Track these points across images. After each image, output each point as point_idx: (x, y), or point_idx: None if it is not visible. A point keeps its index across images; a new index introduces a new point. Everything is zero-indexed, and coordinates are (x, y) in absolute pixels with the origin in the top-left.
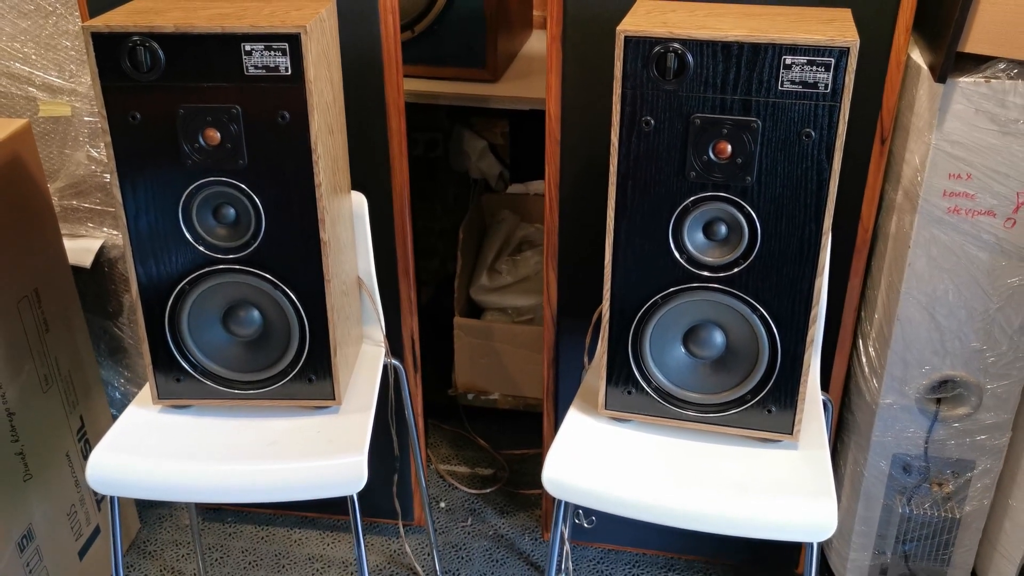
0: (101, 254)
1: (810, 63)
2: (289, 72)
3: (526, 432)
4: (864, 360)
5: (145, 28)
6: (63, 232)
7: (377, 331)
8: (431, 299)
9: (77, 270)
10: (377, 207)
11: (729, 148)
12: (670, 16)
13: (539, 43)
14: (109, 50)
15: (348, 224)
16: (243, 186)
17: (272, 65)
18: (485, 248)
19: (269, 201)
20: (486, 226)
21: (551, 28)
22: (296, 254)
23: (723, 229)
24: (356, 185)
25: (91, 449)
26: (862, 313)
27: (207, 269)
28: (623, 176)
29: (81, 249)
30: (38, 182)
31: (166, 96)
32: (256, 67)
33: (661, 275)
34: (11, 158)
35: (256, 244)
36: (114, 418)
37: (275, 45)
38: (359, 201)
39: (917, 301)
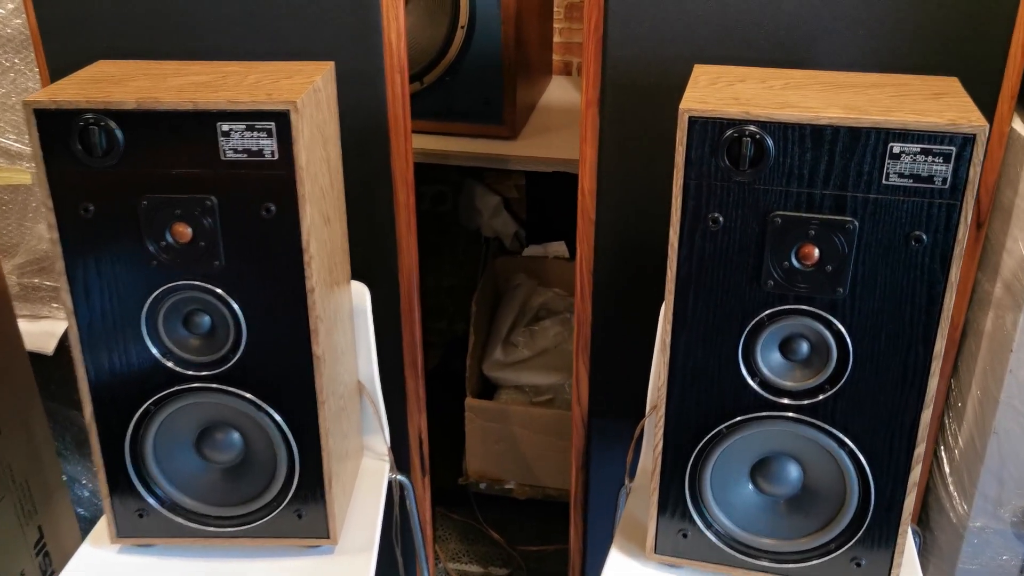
0: (66, 337)
1: (924, 152)
2: (276, 157)
3: (545, 525)
4: (948, 475)
5: (100, 104)
6: (22, 314)
7: (380, 442)
8: (438, 364)
9: (37, 357)
10: (382, 294)
11: (816, 253)
12: (741, 89)
13: (560, 91)
14: (56, 129)
15: (347, 322)
16: (219, 291)
17: (255, 149)
18: (499, 317)
19: (251, 309)
20: (500, 292)
21: (587, 91)
22: (283, 370)
23: (805, 348)
24: (357, 273)
25: (52, 565)
26: (946, 420)
27: (177, 388)
28: (684, 281)
29: (42, 333)
30: None
31: (126, 184)
32: (235, 151)
33: (727, 400)
34: None
35: (235, 359)
36: (80, 522)
37: (258, 125)
38: (360, 293)
39: (1019, 412)
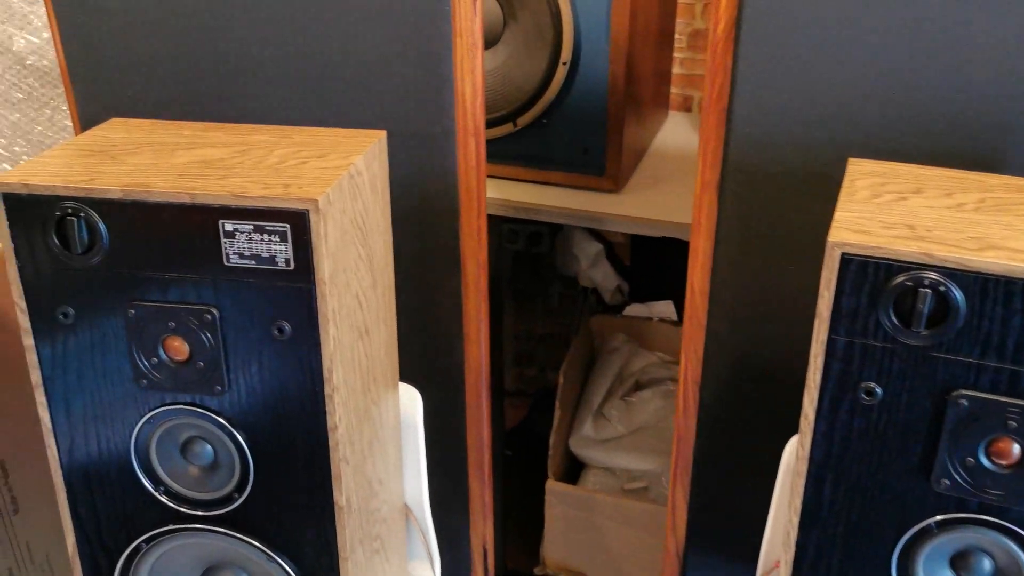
0: None
1: None
2: (291, 267)
3: None
4: None
5: (81, 190)
6: None
7: (429, 570)
8: (524, 420)
9: None
10: (442, 390)
11: (1017, 451)
12: (917, 207)
13: (677, 130)
14: (30, 218)
15: (391, 438)
16: (221, 420)
17: (265, 255)
18: (592, 384)
19: (260, 445)
20: (595, 354)
21: (704, 172)
22: (299, 517)
23: (987, 567)
24: (411, 368)
25: None
26: None
27: (172, 527)
28: (819, 466)
29: None
30: (12, 326)
31: (111, 288)
32: (241, 256)
33: None
34: None
35: (240, 500)
36: None
37: (269, 227)
38: (411, 401)
39: None
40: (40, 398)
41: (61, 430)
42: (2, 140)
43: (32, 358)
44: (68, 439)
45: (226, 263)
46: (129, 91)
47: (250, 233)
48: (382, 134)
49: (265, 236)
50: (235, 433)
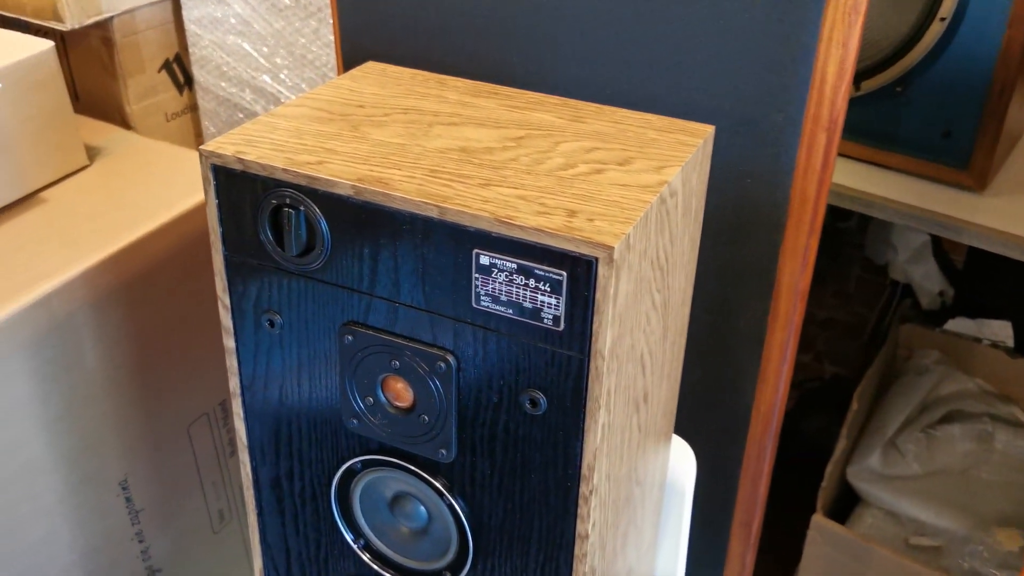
0: None
1: None
2: (559, 327)
3: None
4: None
5: (305, 178)
6: None
7: None
8: (788, 413)
9: None
10: (713, 446)
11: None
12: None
13: None
14: (241, 202)
15: (653, 505)
16: (441, 489)
17: (528, 305)
18: (888, 407)
19: (486, 528)
20: (897, 371)
21: None
22: None
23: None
24: (678, 418)
25: None
26: None
27: None
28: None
29: None
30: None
31: (326, 303)
32: (495, 300)
33: None
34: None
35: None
36: None
37: (540, 271)
38: (683, 460)
39: None
40: (237, 408)
41: (255, 447)
42: (264, 48)
43: (232, 362)
44: (263, 460)
45: (474, 304)
46: (398, 12)
47: (512, 274)
48: (709, 130)
49: (531, 282)
50: (456, 508)
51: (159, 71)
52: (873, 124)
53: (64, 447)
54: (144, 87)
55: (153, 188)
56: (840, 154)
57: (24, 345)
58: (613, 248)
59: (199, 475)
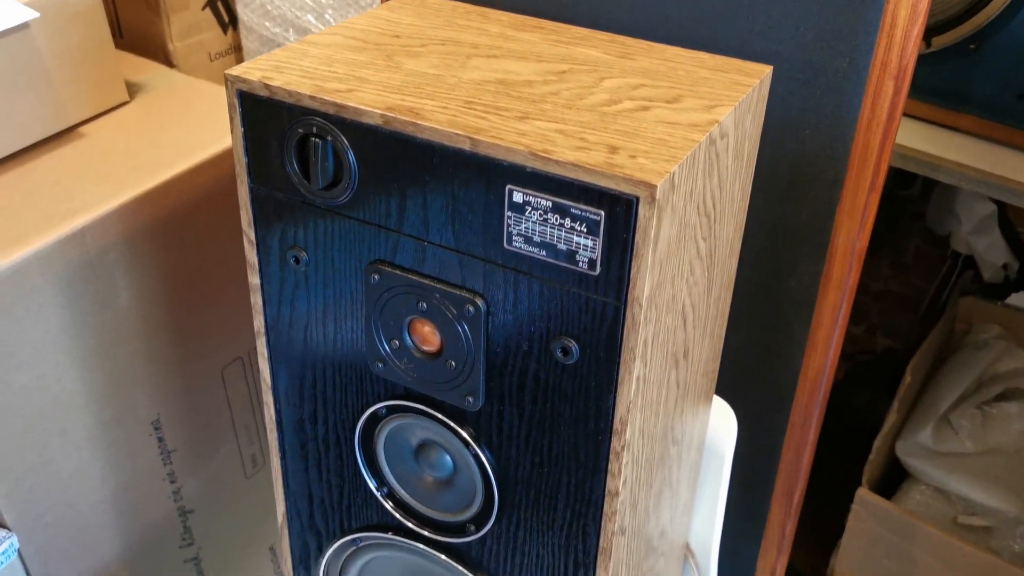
0: None
1: None
2: (595, 271)
3: None
4: None
5: (332, 106)
6: None
7: None
8: (837, 385)
9: None
10: (757, 410)
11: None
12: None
13: None
14: (268, 129)
15: (690, 466)
16: (468, 439)
17: (563, 247)
18: (942, 380)
19: (512, 480)
20: (954, 345)
21: None
22: (551, 570)
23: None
24: (721, 381)
25: None
26: None
27: (394, 538)
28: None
29: None
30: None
31: (353, 240)
32: (528, 240)
33: None
34: (225, 182)
35: (479, 535)
36: None
37: (576, 209)
38: (723, 422)
39: None
40: (261, 348)
41: (279, 389)
42: None
43: (256, 300)
44: (287, 401)
45: (506, 245)
46: None
47: (546, 212)
48: (766, 71)
49: (567, 221)
50: (483, 459)
51: (203, 8)
52: (943, 83)
53: (96, 384)
54: (188, 24)
55: (193, 127)
56: (904, 114)
57: (57, 279)
58: (656, 187)
59: (232, 419)
